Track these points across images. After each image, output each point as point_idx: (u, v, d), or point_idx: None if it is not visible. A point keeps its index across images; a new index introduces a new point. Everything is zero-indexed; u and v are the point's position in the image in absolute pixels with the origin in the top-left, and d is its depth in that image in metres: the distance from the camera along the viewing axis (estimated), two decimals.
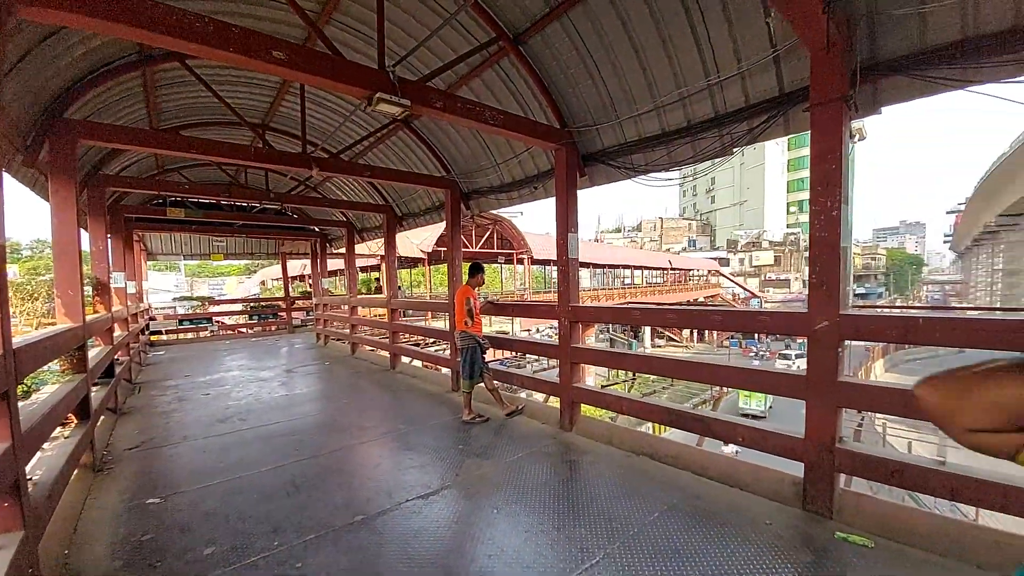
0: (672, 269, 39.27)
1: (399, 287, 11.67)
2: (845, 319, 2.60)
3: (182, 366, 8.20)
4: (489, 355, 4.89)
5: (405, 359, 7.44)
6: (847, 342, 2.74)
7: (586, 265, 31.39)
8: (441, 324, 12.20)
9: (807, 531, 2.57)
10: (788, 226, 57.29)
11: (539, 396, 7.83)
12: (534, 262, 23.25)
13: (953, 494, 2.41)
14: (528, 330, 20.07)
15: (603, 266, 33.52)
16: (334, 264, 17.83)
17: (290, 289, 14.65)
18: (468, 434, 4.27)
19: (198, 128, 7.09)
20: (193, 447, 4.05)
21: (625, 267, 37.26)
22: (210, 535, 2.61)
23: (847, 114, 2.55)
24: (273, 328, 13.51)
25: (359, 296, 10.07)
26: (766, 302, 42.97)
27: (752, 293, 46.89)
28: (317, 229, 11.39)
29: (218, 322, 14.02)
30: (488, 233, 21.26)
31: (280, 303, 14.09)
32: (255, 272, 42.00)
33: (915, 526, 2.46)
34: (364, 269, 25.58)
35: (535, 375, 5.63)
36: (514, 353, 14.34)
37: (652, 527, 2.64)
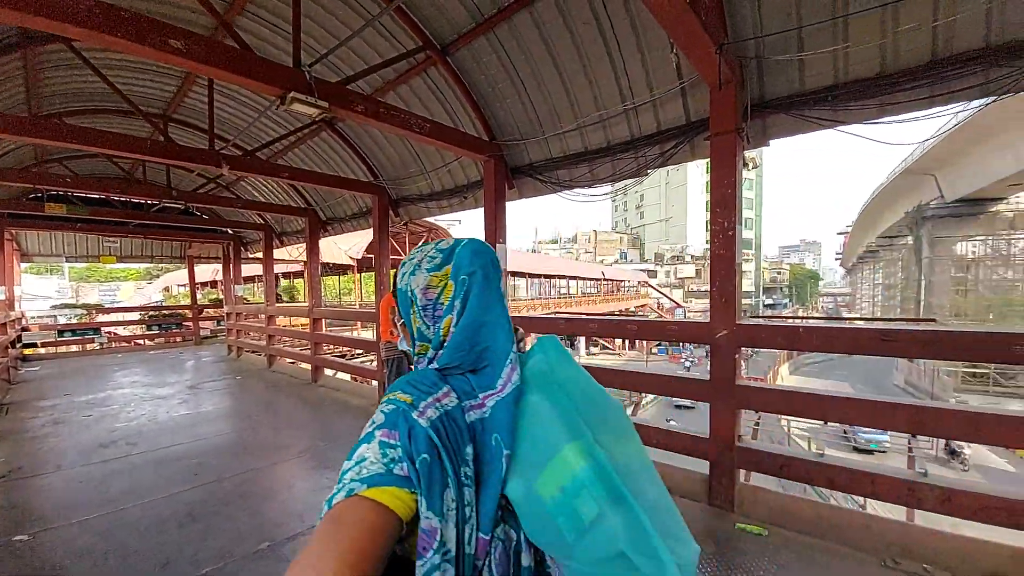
0: (605, 280, 41.03)
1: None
2: (741, 328, 2.87)
3: (61, 384, 7.13)
4: None
5: (329, 371, 7.05)
6: (756, 350, 3.03)
7: (523, 275, 31.91)
8: (370, 334, 11.73)
9: (712, 524, 2.77)
10: (707, 242, 62.16)
11: None
12: None
13: (830, 483, 2.73)
14: None
15: (540, 276, 34.27)
16: (252, 269, 16.54)
17: (198, 296, 13.31)
18: None
19: (88, 116, 6.30)
20: (69, 476, 3.54)
21: (561, 277, 38.36)
22: (86, 575, 2.29)
23: (740, 145, 2.84)
24: (178, 340, 12.18)
25: (278, 304, 9.40)
26: (688, 312, 46.15)
27: (677, 303, 50.24)
28: (230, 231, 10.48)
29: (109, 333, 12.38)
30: (422, 241, 20.97)
31: (186, 311, 12.76)
32: (158, 277, 37.77)
33: (801, 514, 2.74)
34: (287, 276, 23.98)
35: None
36: None
37: None
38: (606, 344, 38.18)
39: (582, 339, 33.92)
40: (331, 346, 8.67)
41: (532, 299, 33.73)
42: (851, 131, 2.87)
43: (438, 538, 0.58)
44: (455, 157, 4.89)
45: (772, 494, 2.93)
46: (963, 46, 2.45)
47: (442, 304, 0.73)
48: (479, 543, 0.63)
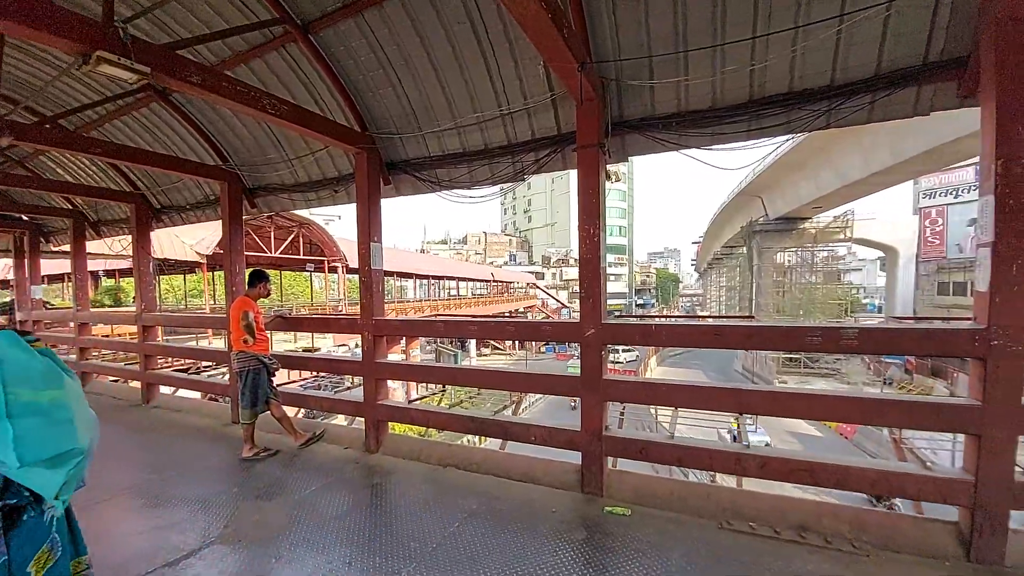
0: (495, 281, 41.82)
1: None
2: (606, 327, 3.10)
3: None
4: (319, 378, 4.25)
5: (167, 389, 5.93)
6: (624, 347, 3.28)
7: (410, 276, 30.97)
8: (223, 343, 10.25)
9: (584, 511, 2.92)
10: None
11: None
12: (350, 271, 21.74)
13: (679, 461, 3.08)
14: (345, 345, 18.62)
15: (429, 277, 33.58)
16: (62, 266, 13.25)
17: None
18: (249, 474, 3.62)
19: None
20: None
21: (451, 279, 38.09)
22: None
23: (603, 158, 3.07)
24: None
25: (95, 310, 7.63)
26: (573, 312, 49.47)
27: (562, 304, 53.49)
28: (25, 218, 8.22)
29: None
30: (292, 237, 18.97)
31: None
32: None
33: (659, 492, 3.03)
34: (111, 274, 19.84)
35: (336, 395, 5.15)
36: (315, 373, 12.86)
37: (452, 538, 2.63)
38: (497, 345, 38.95)
39: (472, 341, 34.12)
40: (170, 359, 7.35)
41: (420, 300, 32.93)
42: (692, 154, 3.28)
43: None
44: (323, 146, 4.47)
45: (636, 476, 3.20)
46: (773, 90, 2.96)
47: None
48: None
